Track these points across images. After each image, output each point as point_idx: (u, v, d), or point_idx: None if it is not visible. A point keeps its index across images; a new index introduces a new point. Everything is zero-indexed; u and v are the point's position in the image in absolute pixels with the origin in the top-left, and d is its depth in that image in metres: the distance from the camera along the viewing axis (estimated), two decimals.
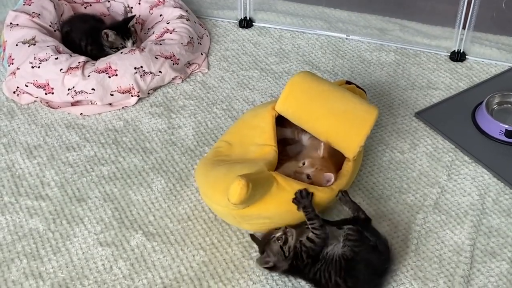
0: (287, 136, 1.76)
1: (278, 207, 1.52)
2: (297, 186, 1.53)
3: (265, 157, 1.62)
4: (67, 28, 2.19)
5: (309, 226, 1.49)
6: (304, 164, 1.61)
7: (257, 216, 1.54)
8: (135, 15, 2.18)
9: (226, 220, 1.65)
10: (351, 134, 1.62)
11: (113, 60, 2.01)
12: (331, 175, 1.60)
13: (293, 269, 1.50)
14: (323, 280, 1.46)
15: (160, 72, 2.05)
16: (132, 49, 2.05)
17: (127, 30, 2.10)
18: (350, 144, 1.63)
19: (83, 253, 1.60)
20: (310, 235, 1.48)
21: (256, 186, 1.44)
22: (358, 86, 1.86)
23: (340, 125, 1.62)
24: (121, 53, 2.04)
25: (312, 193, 1.52)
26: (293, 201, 1.51)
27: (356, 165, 1.69)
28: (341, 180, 1.62)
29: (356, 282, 1.45)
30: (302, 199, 1.51)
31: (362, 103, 1.65)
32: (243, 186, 1.40)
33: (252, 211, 1.52)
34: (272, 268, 1.51)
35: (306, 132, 1.72)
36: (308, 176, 1.60)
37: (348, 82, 1.86)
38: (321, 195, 1.56)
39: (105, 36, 2.08)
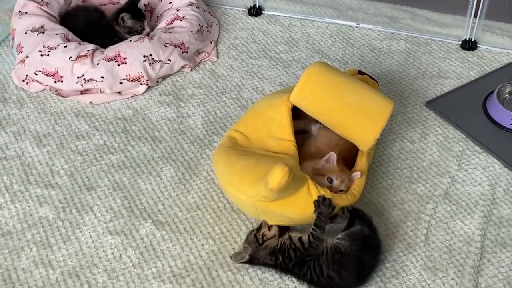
0: (301, 128, 1.75)
1: (303, 211, 1.50)
2: (325, 194, 1.51)
3: (286, 152, 1.61)
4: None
5: (311, 230, 1.47)
6: (332, 181, 1.58)
7: (280, 214, 1.53)
8: None
9: (244, 210, 1.64)
10: (367, 127, 1.60)
11: (122, 48, 2.00)
12: (357, 173, 1.60)
13: (282, 268, 1.49)
14: (314, 277, 1.45)
15: (169, 60, 2.04)
16: (141, 37, 2.04)
17: (140, 11, 2.09)
18: (365, 137, 1.61)
19: (93, 241, 1.60)
20: (304, 238, 1.47)
21: (294, 179, 1.42)
22: (370, 77, 1.84)
23: (355, 117, 1.61)
24: (130, 41, 2.03)
25: (334, 207, 1.49)
26: (314, 202, 1.49)
27: (368, 159, 1.68)
28: (361, 179, 1.61)
29: (350, 273, 1.45)
30: (323, 206, 1.48)
31: (378, 95, 1.63)
32: (286, 172, 1.38)
33: (277, 208, 1.51)
34: (251, 261, 1.50)
35: (316, 122, 1.71)
36: (341, 191, 1.59)
37: (360, 73, 1.85)
38: (345, 203, 1.54)
39: (121, 22, 2.06)
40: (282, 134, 1.65)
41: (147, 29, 2.10)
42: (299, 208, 1.50)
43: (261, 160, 1.55)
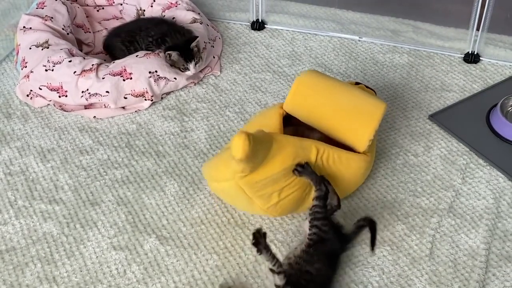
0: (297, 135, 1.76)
1: (282, 164, 1.51)
2: (293, 140, 1.53)
3: None
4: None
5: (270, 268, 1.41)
6: None
7: (265, 182, 1.52)
8: (198, 36, 2.06)
9: (236, 201, 1.64)
10: (360, 129, 1.62)
11: (128, 63, 2.01)
12: None
13: None
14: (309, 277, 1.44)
15: (174, 78, 2.05)
16: (147, 53, 2.05)
17: (190, 51, 2.03)
18: (359, 139, 1.62)
19: (97, 257, 1.60)
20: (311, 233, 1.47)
21: (257, 141, 1.43)
22: (367, 87, 1.85)
23: (348, 120, 1.63)
24: (136, 56, 2.04)
25: (265, 233, 1.40)
26: (294, 171, 1.51)
27: (371, 157, 1.70)
28: (350, 154, 1.62)
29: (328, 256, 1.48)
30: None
31: (370, 97, 1.66)
32: (245, 138, 1.39)
33: (260, 175, 1.51)
34: None
35: (315, 133, 1.72)
36: None
37: (357, 83, 1.86)
38: (318, 146, 1.57)
39: (168, 56, 2.03)
40: None
41: (191, 71, 2.04)
42: (277, 164, 1.51)
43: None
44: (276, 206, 1.59)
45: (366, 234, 1.63)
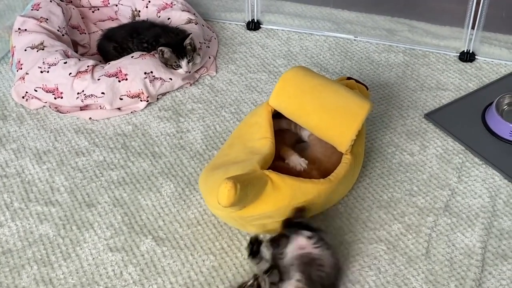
0: (282, 127, 1.77)
1: (276, 204, 1.52)
2: (292, 181, 1.52)
3: (261, 150, 1.62)
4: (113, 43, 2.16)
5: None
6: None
7: (258, 216, 1.54)
8: (191, 33, 2.05)
9: (230, 224, 1.65)
10: (342, 128, 1.62)
11: (124, 64, 2.01)
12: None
13: None
14: None
15: (170, 79, 2.04)
16: (142, 54, 2.05)
17: (182, 49, 2.02)
18: (341, 138, 1.62)
19: (93, 258, 1.60)
20: None
21: (246, 186, 1.43)
22: (358, 81, 1.85)
23: (331, 119, 1.63)
24: (132, 57, 2.04)
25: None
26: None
27: (357, 160, 1.68)
28: (339, 171, 1.61)
29: None
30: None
31: (355, 97, 1.65)
32: (230, 188, 1.39)
33: (251, 212, 1.52)
34: None
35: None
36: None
37: (349, 78, 1.86)
38: (320, 187, 1.55)
39: (160, 53, 2.02)
40: (261, 134, 1.67)
41: (183, 68, 2.03)
42: (272, 202, 1.51)
43: (228, 171, 1.55)
44: (273, 230, 1.60)
45: (362, 233, 1.64)
